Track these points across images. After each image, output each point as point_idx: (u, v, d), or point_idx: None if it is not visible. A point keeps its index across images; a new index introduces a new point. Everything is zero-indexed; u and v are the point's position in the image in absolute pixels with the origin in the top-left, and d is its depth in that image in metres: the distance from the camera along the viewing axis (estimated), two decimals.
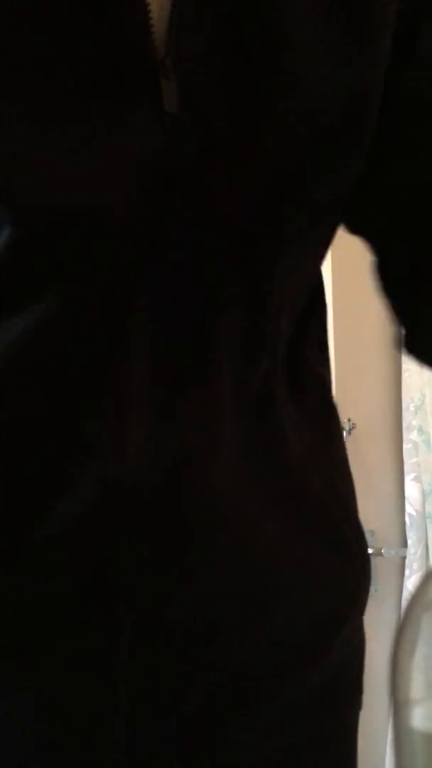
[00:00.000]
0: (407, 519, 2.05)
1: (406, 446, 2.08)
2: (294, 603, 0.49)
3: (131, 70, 0.37)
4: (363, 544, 0.57)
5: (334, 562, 0.52)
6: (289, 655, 0.48)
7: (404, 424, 2.09)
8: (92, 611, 0.42)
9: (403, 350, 0.55)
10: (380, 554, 1.98)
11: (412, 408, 2.08)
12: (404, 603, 2.01)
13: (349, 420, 1.99)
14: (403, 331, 0.53)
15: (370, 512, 2.05)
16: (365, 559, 0.57)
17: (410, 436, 2.07)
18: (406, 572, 2.01)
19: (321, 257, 0.54)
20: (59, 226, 0.38)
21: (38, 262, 0.40)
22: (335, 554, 0.53)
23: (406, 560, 2.03)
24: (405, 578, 2.01)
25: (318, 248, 0.53)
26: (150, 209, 0.38)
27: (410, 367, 2.10)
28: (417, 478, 2.05)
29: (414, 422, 2.06)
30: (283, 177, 0.43)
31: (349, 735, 0.54)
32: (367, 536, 2.21)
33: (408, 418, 2.08)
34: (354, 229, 0.55)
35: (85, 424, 0.42)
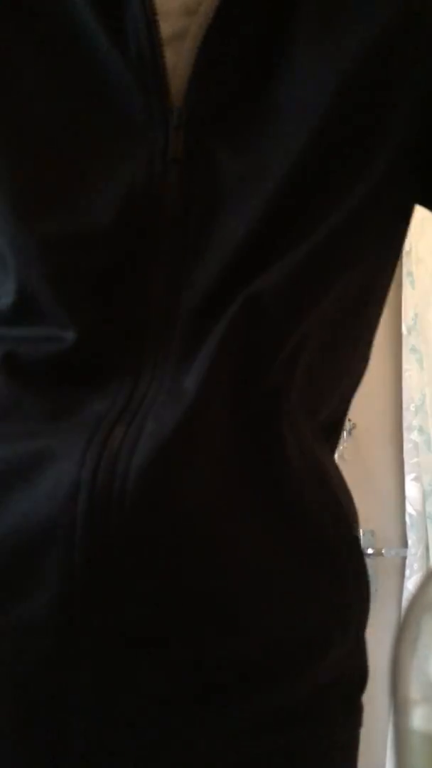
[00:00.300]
0: (407, 519, 2.05)
1: (406, 446, 2.08)
2: (266, 621, 0.46)
3: (147, 120, 0.44)
4: (359, 567, 0.53)
5: (322, 583, 0.49)
6: (256, 669, 0.46)
7: (404, 424, 2.09)
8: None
9: None
10: (380, 554, 1.98)
11: (412, 408, 2.08)
12: (404, 603, 2.01)
13: (349, 420, 1.99)
14: None
15: (371, 512, 2.05)
16: (361, 583, 0.53)
17: (410, 436, 2.07)
18: (407, 572, 2.01)
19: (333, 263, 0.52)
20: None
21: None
22: (324, 575, 0.49)
23: (407, 560, 2.03)
24: (405, 578, 2.01)
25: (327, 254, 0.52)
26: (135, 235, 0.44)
27: (411, 367, 2.10)
28: (417, 478, 2.05)
29: (414, 422, 2.06)
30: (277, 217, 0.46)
31: (330, 756, 0.51)
32: (368, 536, 2.22)
33: (408, 418, 2.08)
34: None
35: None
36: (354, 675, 0.54)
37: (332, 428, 0.57)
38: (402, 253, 0.59)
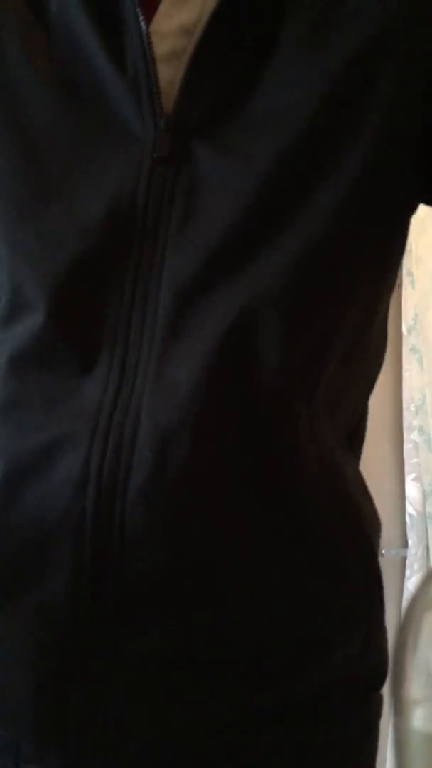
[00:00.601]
0: (408, 519, 2.05)
1: (406, 446, 2.08)
2: (264, 620, 0.49)
3: (138, 125, 0.50)
4: (371, 573, 0.55)
5: (328, 589, 0.51)
6: (254, 667, 0.49)
7: (405, 424, 2.09)
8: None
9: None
10: (381, 554, 1.98)
11: (412, 408, 2.08)
12: (405, 603, 2.01)
13: None
14: None
15: None
16: (372, 591, 0.55)
17: (411, 437, 2.07)
18: (407, 572, 2.01)
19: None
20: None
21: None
22: (329, 581, 0.52)
23: (407, 560, 2.03)
24: (405, 578, 2.01)
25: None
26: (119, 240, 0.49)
27: (411, 367, 2.10)
28: (417, 479, 2.05)
29: (414, 422, 2.06)
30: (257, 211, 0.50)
31: (342, 749, 0.53)
32: None
33: (408, 418, 2.08)
34: None
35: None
36: (365, 673, 0.55)
37: (353, 433, 0.60)
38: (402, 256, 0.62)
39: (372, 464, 2.30)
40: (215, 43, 0.50)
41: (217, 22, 0.49)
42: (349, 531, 0.54)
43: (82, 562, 0.46)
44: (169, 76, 0.50)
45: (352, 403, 0.59)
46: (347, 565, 0.54)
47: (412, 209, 0.58)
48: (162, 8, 0.51)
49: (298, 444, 0.50)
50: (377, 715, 0.57)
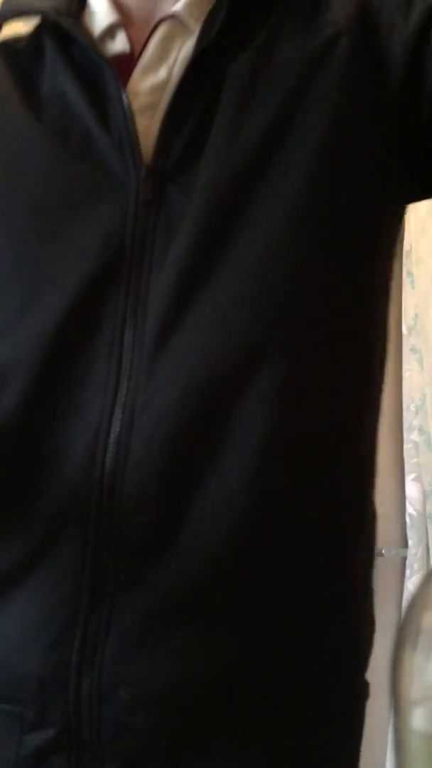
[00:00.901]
0: (408, 519, 2.05)
1: (406, 446, 2.08)
2: (248, 576, 0.57)
3: (124, 177, 0.61)
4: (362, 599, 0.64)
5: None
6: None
7: (405, 425, 2.09)
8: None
9: None
10: (381, 555, 1.98)
11: (412, 408, 2.08)
12: (405, 603, 2.01)
13: None
14: None
15: None
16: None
17: (411, 437, 2.07)
18: (407, 572, 2.01)
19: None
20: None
21: None
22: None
23: (407, 560, 2.03)
24: (406, 578, 2.01)
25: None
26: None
27: (411, 367, 2.10)
28: (417, 479, 2.05)
29: (414, 422, 2.06)
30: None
31: (324, 723, 0.59)
32: None
33: (408, 418, 2.08)
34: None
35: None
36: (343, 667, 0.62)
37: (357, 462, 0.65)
38: (392, 271, 0.66)
39: None
40: (183, 101, 0.61)
41: (186, 83, 0.61)
42: (353, 527, 0.62)
43: (87, 534, 0.56)
44: (144, 125, 0.61)
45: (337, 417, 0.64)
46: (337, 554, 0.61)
47: (387, 209, 0.63)
48: (136, 73, 0.63)
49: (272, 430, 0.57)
50: (358, 699, 0.63)
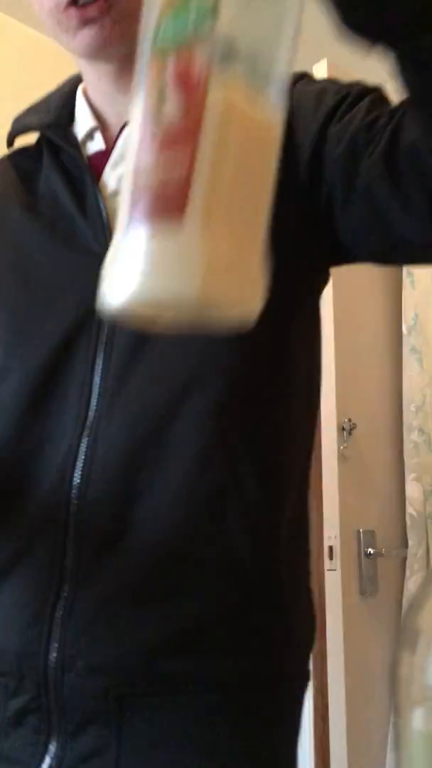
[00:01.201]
0: (408, 519, 2.05)
1: (406, 447, 2.08)
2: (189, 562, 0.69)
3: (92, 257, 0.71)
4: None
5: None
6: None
7: (405, 425, 2.09)
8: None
9: None
10: (381, 555, 1.98)
11: (412, 408, 2.08)
12: (405, 603, 2.01)
13: (349, 420, 1.99)
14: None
15: (371, 513, 2.05)
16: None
17: (411, 437, 2.07)
18: (407, 573, 2.01)
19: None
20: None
21: None
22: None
23: (407, 561, 2.03)
24: (406, 579, 2.01)
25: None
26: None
27: (411, 367, 2.10)
28: (417, 479, 2.05)
29: (415, 423, 2.07)
30: None
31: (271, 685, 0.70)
32: (368, 537, 2.21)
33: (409, 419, 2.08)
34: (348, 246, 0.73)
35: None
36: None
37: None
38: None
39: (372, 464, 2.31)
40: None
41: None
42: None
43: (58, 538, 0.69)
44: (114, 208, 0.75)
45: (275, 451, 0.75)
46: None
47: (305, 272, 0.76)
48: (107, 167, 0.79)
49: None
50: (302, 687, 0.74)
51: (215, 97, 0.33)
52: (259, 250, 0.35)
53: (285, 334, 0.75)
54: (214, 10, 0.33)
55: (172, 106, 0.33)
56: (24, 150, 0.85)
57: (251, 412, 0.71)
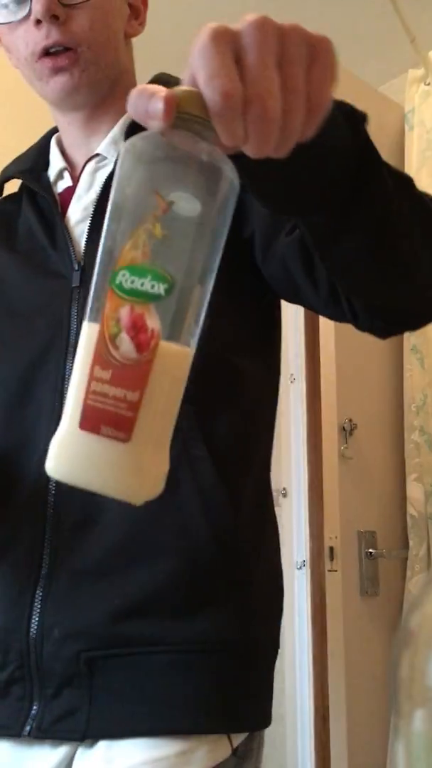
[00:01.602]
0: (409, 520, 2.05)
1: (407, 447, 2.08)
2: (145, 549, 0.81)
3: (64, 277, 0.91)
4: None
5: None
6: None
7: (406, 425, 2.09)
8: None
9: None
10: (382, 555, 1.98)
11: (413, 408, 2.08)
12: (406, 604, 2.01)
13: (350, 420, 1.99)
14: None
15: (372, 513, 2.05)
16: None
17: (412, 437, 2.07)
18: (408, 573, 2.01)
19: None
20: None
21: None
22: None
23: (408, 561, 2.03)
24: (407, 579, 2.01)
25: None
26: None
27: (412, 367, 2.10)
28: (418, 479, 2.05)
29: (415, 423, 2.07)
30: None
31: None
32: (369, 537, 2.20)
33: (410, 419, 2.08)
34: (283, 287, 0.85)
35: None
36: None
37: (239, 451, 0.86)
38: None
39: (373, 464, 2.31)
40: (100, 213, 0.85)
41: (102, 200, 0.88)
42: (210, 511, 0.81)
43: (38, 526, 0.80)
44: (79, 234, 0.92)
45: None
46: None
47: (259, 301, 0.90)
48: (73, 199, 0.94)
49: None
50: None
51: (162, 351, 0.42)
52: (167, 447, 0.47)
53: (241, 335, 0.87)
54: (167, 281, 0.42)
55: (126, 349, 0.42)
56: (9, 196, 1.03)
57: (206, 399, 0.80)
